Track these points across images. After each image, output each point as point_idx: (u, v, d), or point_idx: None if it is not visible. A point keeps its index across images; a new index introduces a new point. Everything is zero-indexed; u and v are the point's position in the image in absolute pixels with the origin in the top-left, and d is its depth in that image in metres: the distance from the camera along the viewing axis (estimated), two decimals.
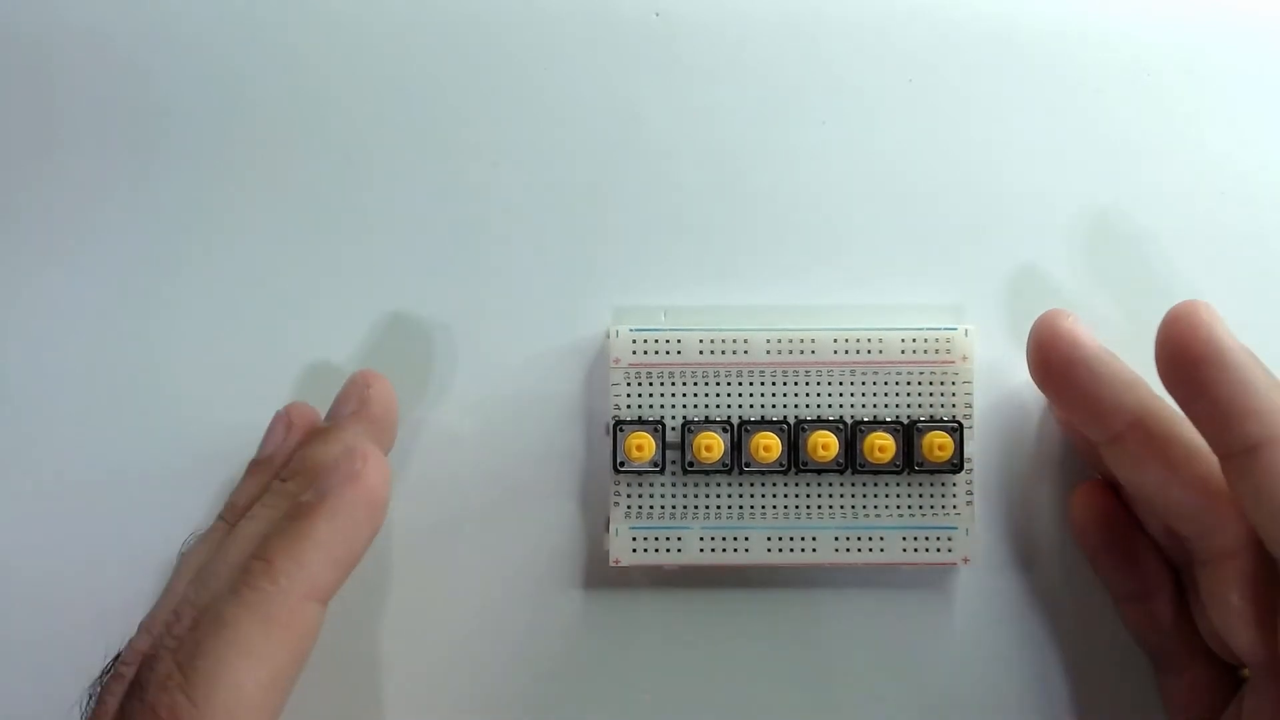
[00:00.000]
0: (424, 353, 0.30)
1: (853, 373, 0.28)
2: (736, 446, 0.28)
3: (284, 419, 0.28)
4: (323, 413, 0.29)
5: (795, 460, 0.28)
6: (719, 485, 0.28)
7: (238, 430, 0.29)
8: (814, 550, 0.28)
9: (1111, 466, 0.26)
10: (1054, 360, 0.26)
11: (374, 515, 0.25)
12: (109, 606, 0.29)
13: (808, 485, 0.28)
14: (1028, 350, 0.27)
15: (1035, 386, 0.27)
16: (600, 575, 0.29)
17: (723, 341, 0.28)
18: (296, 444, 0.28)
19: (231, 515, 0.27)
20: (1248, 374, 0.23)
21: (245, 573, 0.24)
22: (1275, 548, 0.23)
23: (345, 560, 0.25)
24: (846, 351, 0.28)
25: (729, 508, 0.28)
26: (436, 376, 0.30)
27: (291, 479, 0.26)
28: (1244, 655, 0.24)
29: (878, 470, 0.28)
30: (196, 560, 0.26)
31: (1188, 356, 0.24)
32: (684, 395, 0.28)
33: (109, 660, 0.26)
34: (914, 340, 0.28)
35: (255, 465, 0.28)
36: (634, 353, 0.28)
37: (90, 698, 0.25)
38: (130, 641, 0.25)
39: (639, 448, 0.28)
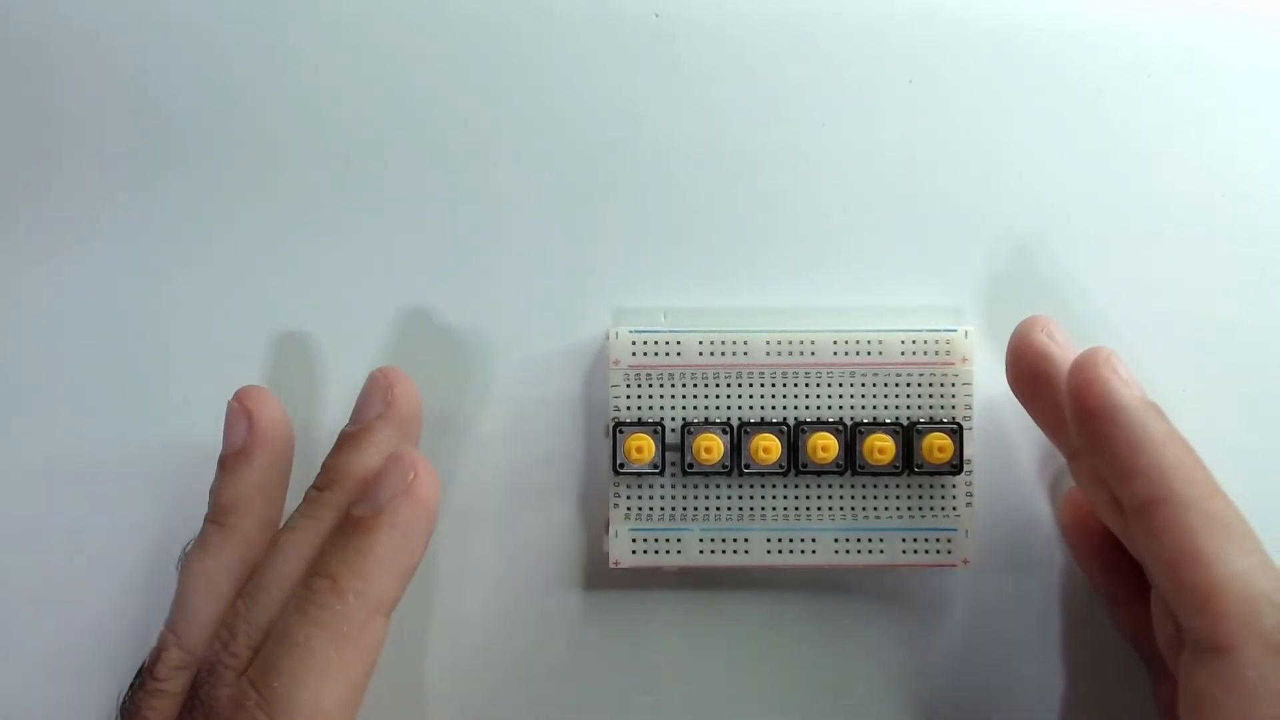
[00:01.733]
0: (424, 354, 0.30)
1: (852, 374, 0.28)
2: (736, 448, 0.28)
3: (242, 411, 0.27)
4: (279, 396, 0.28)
5: (795, 462, 0.28)
6: (719, 487, 0.28)
7: None
8: (814, 552, 0.28)
9: (1073, 477, 0.27)
10: (1023, 373, 0.27)
11: (429, 524, 0.25)
12: (111, 609, 0.29)
13: (807, 487, 0.28)
14: (1005, 358, 0.27)
15: None
16: (600, 576, 0.30)
17: (722, 343, 0.28)
18: (261, 433, 0.27)
19: (219, 515, 0.27)
20: (1139, 432, 0.23)
21: (311, 591, 0.24)
22: (1167, 597, 0.23)
23: (406, 572, 0.25)
24: (846, 353, 0.28)
25: (729, 509, 0.28)
26: (436, 378, 0.30)
27: (329, 488, 0.26)
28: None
29: (877, 472, 0.28)
30: (200, 567, 0.26)
31: (1083, 409, 0.24)
32: (684, 397, 0.28)
33: (137, 673, 0.26)
34: (914, 342, 0.28)
35: (228, 461, 0.27)
36: (634, 354, 0.28)
37: (123, 711, 0.26)
38: (160, 655, 0.26)
39: (638, 449, 0.28)
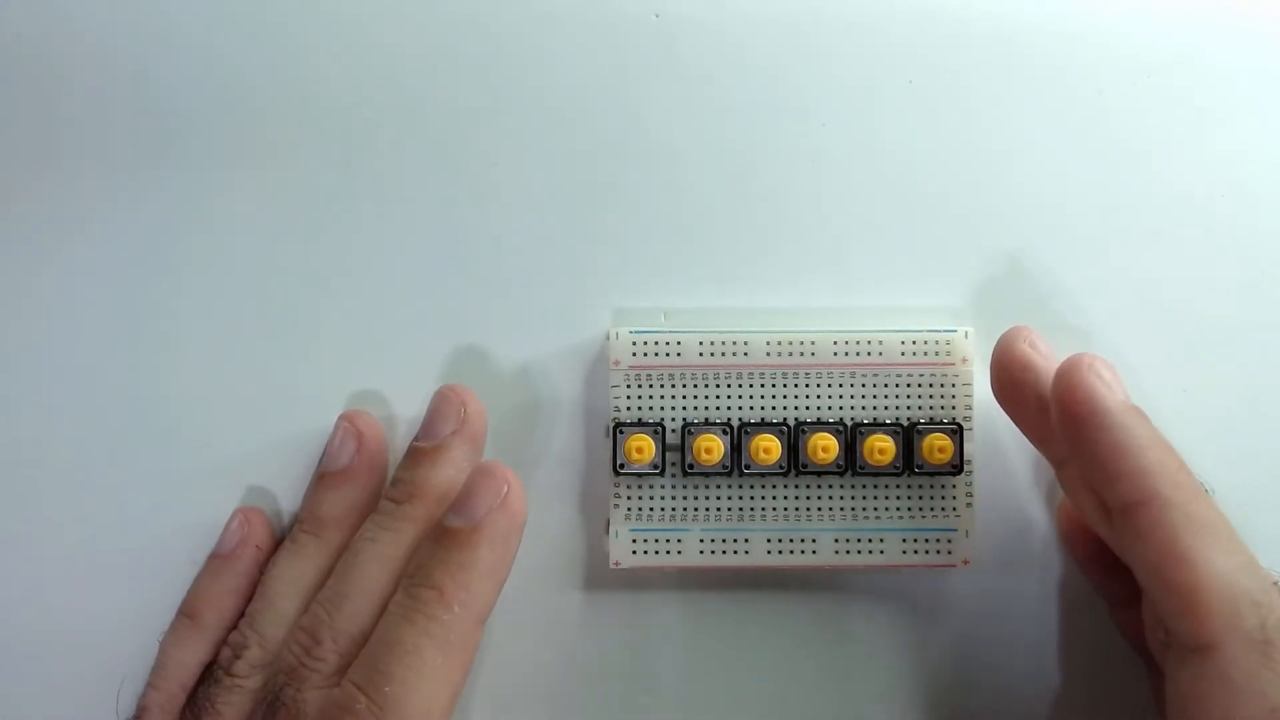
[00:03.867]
0: (424, 355, 0.30)
1: (853, 375, 0.28)
2: (736, 449, 0.28)
3: (353, 431, 0.29)
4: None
5: (795, 462, 0.28)
6: (719, 487, 0.28)
7: (239, 433, 0.30)
8: (814, 552, 0.28)
9: (1061, 486, 0.27)
10: (1006, 383, 0.27)
11: (519, 536, 0.26)
12: (109, 608, 0.29)
13: (808, 487, 0.28)
14: (989, 367, 0.27)
15: None
16: (600, 577, 0.30)
17: (723, 343, 0.28)
18: (366, 457, 0.29)
19: (317, 528, 0.28)
20: (1123, 435, 0.24)
21: (419, 601, 0.25)
22: (1152, 598, 0.24)
23: (501, 582, 0.26)
24: (846, 354, 0.28)
25: (729, 510, 0.28)
26: (437, 379, 0.30)
27: (409, 501, 0.27)
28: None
29: (878, 472, 0.28)
30: (291, 574, 0.28)
31: (1068, 414, 0.24)
32: (684, 397, 0.28)
33: (206, 669, 0.28)
34: (914, 342, 0.28)
35: (332, 477, 0.29)
36: (634, 355, 0.28)
37: (191, 706, 0.27)
38: (241, 653, 0.27)
39: (639, 450, 0.28)
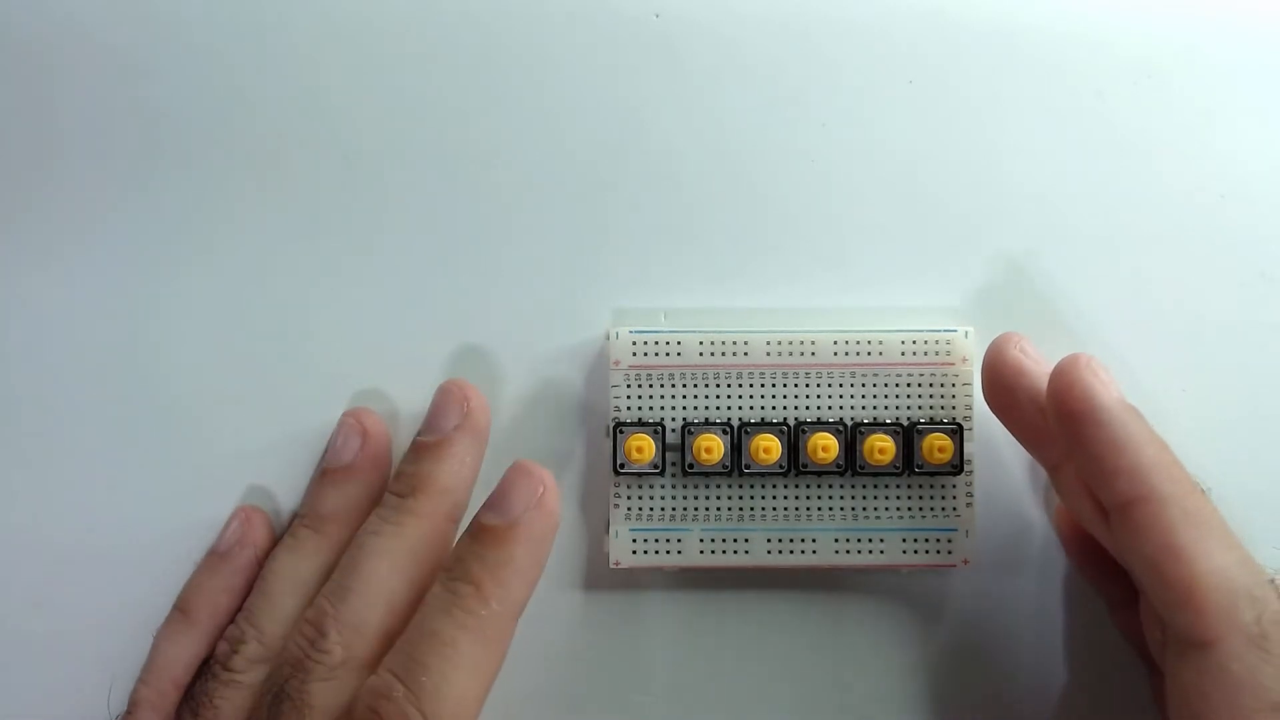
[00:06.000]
0: (425, 354, 0.30)
1: (853, 375, 0.28)
2: (736, 448, 0.28)
3: (358, 428, 0.29)
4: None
5: (795, 462, 0.28)
6: (719, 487, 0.28)
7: (241, 431, 0.30)
8: (814, 552, 0.28)
9: (1056, 490, 0.27)
10: (999, 388, 0.27)
11: (554, 537, 0.26)
12: (110, 607, 0.29)
13: (808, 487, 0.28)
14: (980, 373, 0.28)
15: None
16: (600, 577, 0.30)
17: (723, 343, 0.28)
18: (370, 453, 0.29)
19: (317, 523, 0.29)
20: (1120, 432, 0.24)
21: (456, 595, 0.25)
22: (1148, 593, 0.24)
23: (536, 580, 0.26)
24: (847, 353, 0.28)
25: (729, 510, 0.28)
26: (437, 378, 0.30)
27: (413, 495, 0.28)
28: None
29: (878, 472, 0.28)
30: (290, 569, 0.28)
31: (1065, 412, 0.24)
32: (684, 397, 0.28)
33: (203, 664, 0.28)
34: (914, 342, 0.28)
35: (336, 473, 0.29)
36: (634, 354, 0.28)
37: (187, 702, 0.27)
38: (237, 648, 0.27)
39: (639, 450, 0.28)
